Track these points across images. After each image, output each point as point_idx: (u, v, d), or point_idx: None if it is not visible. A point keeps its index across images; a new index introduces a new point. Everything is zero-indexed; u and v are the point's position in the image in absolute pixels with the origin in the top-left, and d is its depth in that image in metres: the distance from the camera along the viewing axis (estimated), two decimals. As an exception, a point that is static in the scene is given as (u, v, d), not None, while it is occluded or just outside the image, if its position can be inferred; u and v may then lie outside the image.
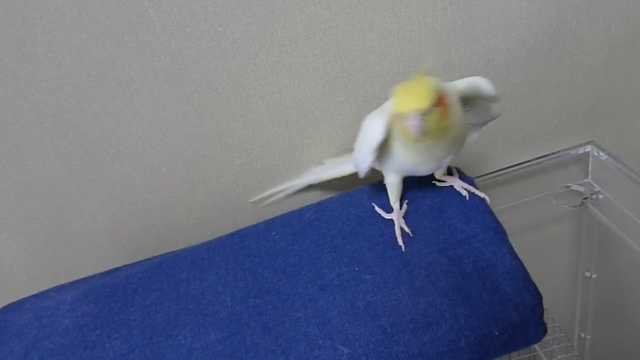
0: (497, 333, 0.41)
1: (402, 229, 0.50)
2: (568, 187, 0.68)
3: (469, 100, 0.48)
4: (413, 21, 0.59)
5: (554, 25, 0.63)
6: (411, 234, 0.49)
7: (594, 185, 0.68)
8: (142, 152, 0.61)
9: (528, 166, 0.68)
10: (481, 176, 0.68)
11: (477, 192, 0.51)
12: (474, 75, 0.48)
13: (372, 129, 0.46)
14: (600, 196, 0.67)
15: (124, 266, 0.60)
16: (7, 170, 0.59)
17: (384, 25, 0.59)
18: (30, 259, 0.66)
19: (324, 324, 0.44)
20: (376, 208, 0.53)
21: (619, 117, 0.71)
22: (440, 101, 0.41)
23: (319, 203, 0.57)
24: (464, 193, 0.51)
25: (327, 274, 0.47)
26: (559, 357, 0.67)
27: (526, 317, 0.42)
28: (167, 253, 0.60)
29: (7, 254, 0.66)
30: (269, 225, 0.55)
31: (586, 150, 0.68)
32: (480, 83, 0.47)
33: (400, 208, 0.51)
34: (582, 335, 0.76)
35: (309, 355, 0.42)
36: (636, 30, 0.64)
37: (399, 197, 0.52)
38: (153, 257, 0.60)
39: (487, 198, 0.51)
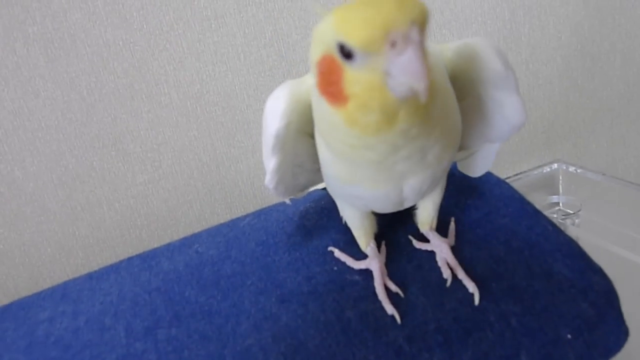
0: (569, 336, 0.26)
1: (386, 287, 0.29)
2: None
3: (461, 89, 0.28)
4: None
5: (508, 26, 0.57)
6: (402, 294, 0.29)
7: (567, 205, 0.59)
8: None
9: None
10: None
11: (465, 280, 0.29)
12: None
13: (269, 114, 0.27)
14: (577, 219, 0.58)
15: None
16: None
17: (331, 5, 0.49)
18: None
19: (294, 350, 0.26)
20: (336, 253, 0.32)
21: (576, 138, 0.65)
22: None
23: (260, 210, 0.40)
24: (445, 274, 0.29)
25: (289, 279, 0.30)
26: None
27: (601, 309, 0.27)
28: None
29: None
30: (187, 241, 0.37)
31: (553, 168, 0.59)
32: (479, 48, 0.27)
33: (379, 251, 0.32)
34: None
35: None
36: (584, 40, 0.61)
37: (371, 235, 0.32)
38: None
39: (476, 293, 0.28)
